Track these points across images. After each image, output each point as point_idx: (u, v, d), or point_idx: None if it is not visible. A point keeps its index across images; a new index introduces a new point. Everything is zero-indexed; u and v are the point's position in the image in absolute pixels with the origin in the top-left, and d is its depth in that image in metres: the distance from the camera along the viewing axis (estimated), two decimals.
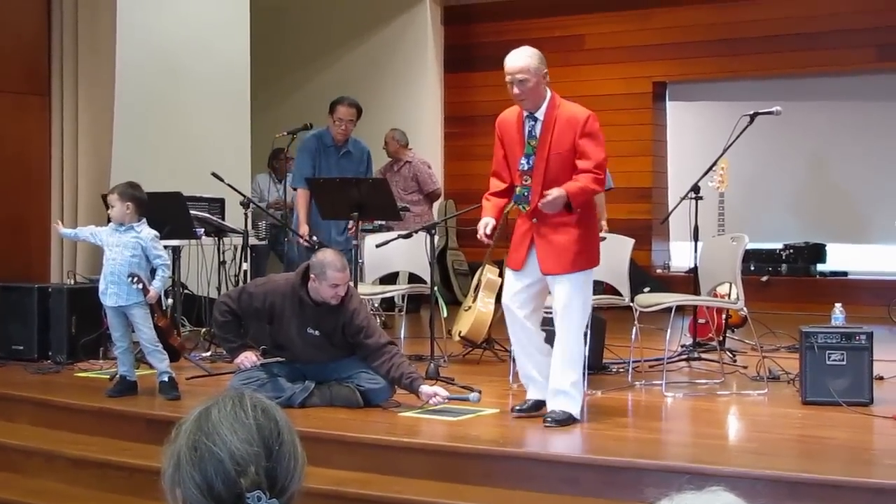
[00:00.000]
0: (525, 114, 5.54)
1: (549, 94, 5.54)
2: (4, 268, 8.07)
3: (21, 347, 7.77)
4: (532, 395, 5.70)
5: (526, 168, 5.52)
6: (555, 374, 5.52)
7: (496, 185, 5.73)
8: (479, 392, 6.00)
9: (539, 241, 5.51)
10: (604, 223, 8.97)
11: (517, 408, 5.69)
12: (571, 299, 5.46)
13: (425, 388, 5.83)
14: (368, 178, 8.59)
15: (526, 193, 5.54)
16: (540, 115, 5.51)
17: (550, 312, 5.67)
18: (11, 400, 6.71)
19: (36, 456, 5.95)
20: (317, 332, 6.05)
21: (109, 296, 6.32)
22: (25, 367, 7.49)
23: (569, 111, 5.51)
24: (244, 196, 7.33)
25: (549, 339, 5.65)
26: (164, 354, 6.38)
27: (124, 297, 6.28)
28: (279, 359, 6.14)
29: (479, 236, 5.62)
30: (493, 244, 5.74)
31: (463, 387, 6.24)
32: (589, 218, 5.59)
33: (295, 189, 8.28)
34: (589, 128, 5.46)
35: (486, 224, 5.61)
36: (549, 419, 5.46)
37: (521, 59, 5.47)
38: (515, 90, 5.45)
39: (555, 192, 5.34)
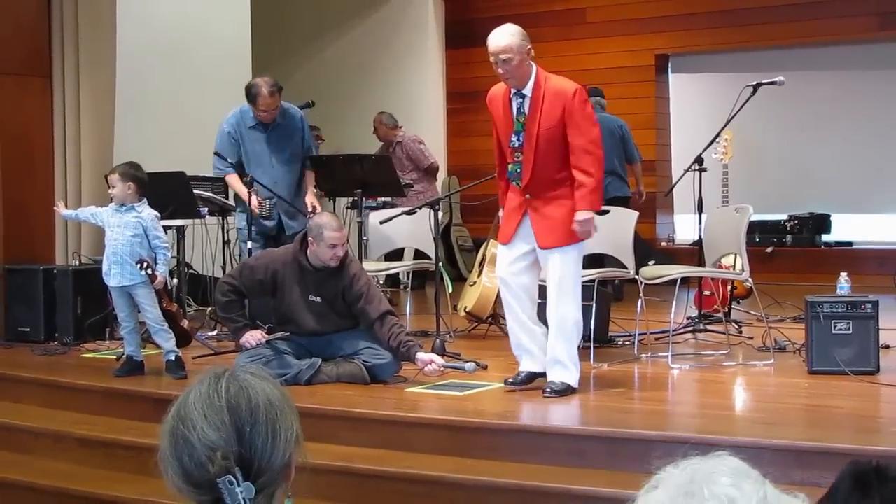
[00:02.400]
0: (512, 91, 5.55)
1: (534, 69, 5.53)
2: (9, 250, 8.07)
3: (27, 329, 7.79)
4: (525, 366, 5.71)
5: (517, 145, 5.55)
6: (552, 345, 5.56)
7: (501, 161, 5.78)
8: (476, 363, 6.06)
9: (533, 215, 5.55)
10: (642, 188, 9.43)
11: (509, 380, 5.72)
12: (567, 270, 5.51)
13: (422, 355, 5.88)
14: (371, 155, 8.56)
15: (518, 170, 5.57)
16: (527, 91, 5.51)
17: (544, 282, 5.69)
18: (19, 381, 6.74)
19: (44, 437, 5.98)
20: (318, 299, 6.09)
21: (113, 276, 6.33)
22: (32, 348, 7.51)
23: (556, 86, 5.51)
24: (247, 175, 7.31)
25: (542, 312, 5.69)
26: (170, 334, 6.39)
27: (128, 278, 6.28)
28: (284, 333, 6.16)
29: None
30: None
31: (468, 361, 6.26)
32: None
33: (218, 174, 7.56)
34: (578, 102, 5.45)
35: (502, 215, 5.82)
36: (549, 390, 5.51)
37: (504, 39, 5.44)
38: (500, 70, 5.46)
39: (581, 217, 5.42)
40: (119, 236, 6.30)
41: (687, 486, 1.32)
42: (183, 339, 6.62)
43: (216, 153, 7.41)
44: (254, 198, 7.18)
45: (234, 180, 7.39)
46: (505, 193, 5.77)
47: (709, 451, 1.45)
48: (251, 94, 7.24)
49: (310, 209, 7.40)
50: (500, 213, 5.84)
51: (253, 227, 7.37)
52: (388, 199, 8.99)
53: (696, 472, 1.35)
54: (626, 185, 9.60)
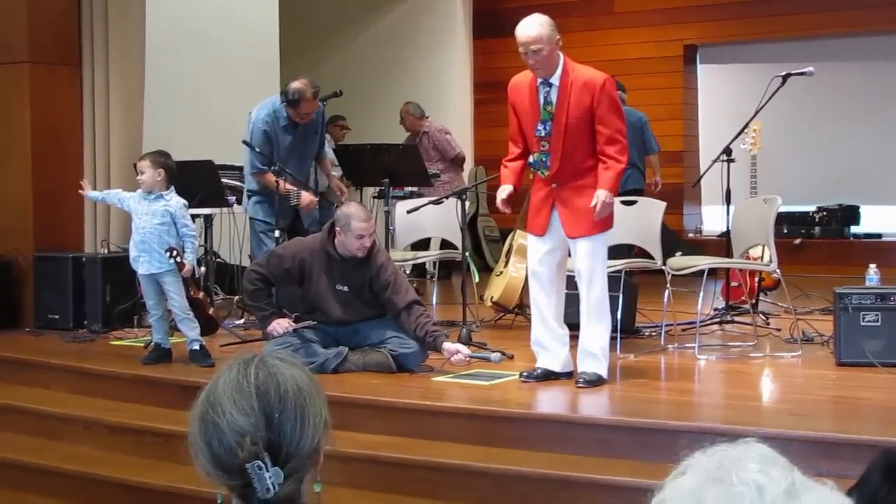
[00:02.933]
0: (539, 80, 5.54)
1: (561, 58, 5.52)
2: (39, 238, 8.12)
3: (57, 316, 7.85)
4: (542, 363, 5.72)
5: (543, 134, 5.54)
6: (584, 335, 5.59)
7: (513, 150, 5.80)
8: (502, 353, 6.08)
9: (560, 205, 5.57)
10: (658, 179, 9.40)
11: (525, 374, 5.72)
12: (595, 259, 5.53)
13: (448, 345, 5.90)
14: (399, 145, 8.55)
15: (544, 159, 5.57)
16: (555, 80, 5.50)
17: (572, 273, 5.69)
18: (48, 368, 6.80)
19: (73, 423, 6.03)
20: (345, 288, 6.12)
21: (141, 263, 6.37)
22: (61, 335, 7.57)
23: (584, 75, 5.51)
24: (275, 164, 7.32)
25: (573, 301, 5.70)
26: (195, 323, 6.41)
27: (156, 265, 6.32)
28: (311, 322, 6.18)
29: (497, 203, 5.74)
30: (509, 211, 5.88)
31: (494, 351, 6.27)
32: None
33: (258, 173, 7.47)
34: (607, 92, 5.47)
35: (502, 190, 5.72)
36: (581, 380, 5.54)
37: (534, 29, 5.44)
38: (530, 60, 5.45)
39: (601, 196, 5.39)
40: (147, 224, 6.33)
41: (715, 472, 1.32)
42: (209, 326, 6.66)
43: (254, 150, 7.37)
44: (282, 183, 7.20)
45: (271, 178, 7.37)
46: (512, 174, 5.73)
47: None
48: (294, 99, 7.25)
49: (338, 193, 7.46)
50: (499, 190, 5.74)
51: (270, 220, 7.39)
52: (415, 188, 8.99)
53: (724, 458, 1.35)
54: (644, 178, 9.58)
